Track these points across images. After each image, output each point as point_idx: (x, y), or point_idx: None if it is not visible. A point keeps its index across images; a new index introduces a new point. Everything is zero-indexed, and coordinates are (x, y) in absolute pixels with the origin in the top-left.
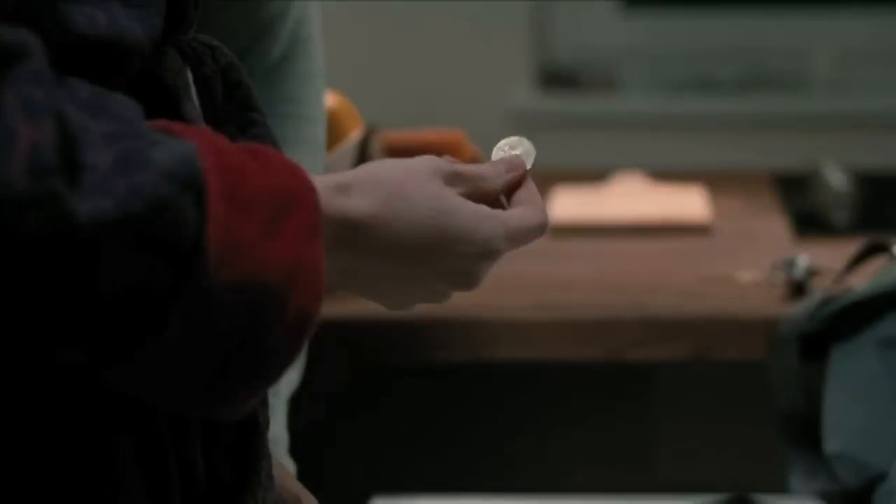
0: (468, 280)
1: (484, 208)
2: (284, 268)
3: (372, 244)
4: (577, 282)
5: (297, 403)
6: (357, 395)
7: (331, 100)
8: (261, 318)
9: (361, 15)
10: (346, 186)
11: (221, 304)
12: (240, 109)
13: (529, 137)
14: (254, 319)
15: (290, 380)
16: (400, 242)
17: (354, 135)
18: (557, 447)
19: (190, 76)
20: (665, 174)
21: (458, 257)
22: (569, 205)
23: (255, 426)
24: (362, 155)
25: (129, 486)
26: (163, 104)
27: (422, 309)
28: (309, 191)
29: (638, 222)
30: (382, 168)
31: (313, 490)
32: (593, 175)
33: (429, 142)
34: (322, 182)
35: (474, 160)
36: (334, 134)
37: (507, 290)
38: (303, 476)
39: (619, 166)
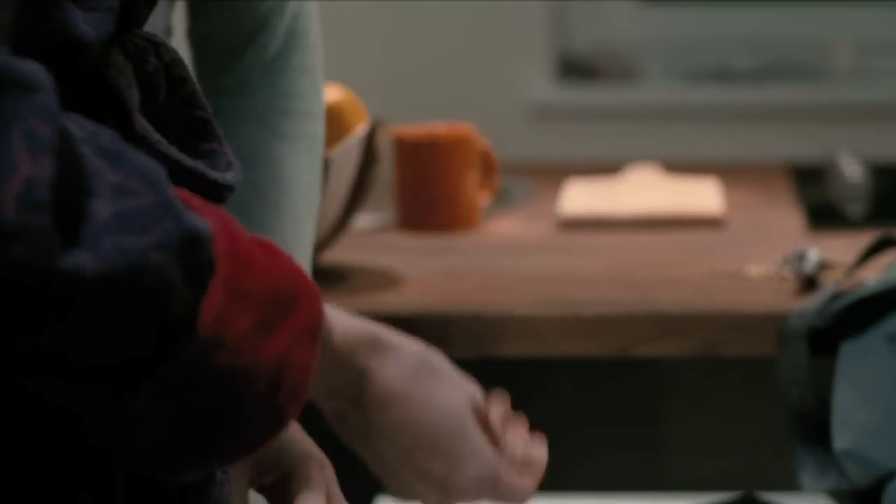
0: (437, 496)
1: (492, 451)
2: (272, 366)
3: (377, 410)
4: (586, 276)
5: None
6: None
7: (335, 94)
8: (237, 409)
9: (371, 5)
10: (386, 346)
11: (198, 389)
12: (184, 107)
13: (547, 129)
14: (229, 408)
15: None
16: (403, 425)
17: (359, 129)
18: (564, 444)
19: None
20: (681, 166)
21: (443, 473)
22: (580, 198)
23: None
24: (368, 149)
25: (75, 490)
26: (104, 102)
27: (426, 305)
28: (313, 295)
29: (649, 215)
30: (430, 355)
31: None
32: (609, 167)
33: (438, 136)
34: (365, 327)
35: (485, 154)
36: (339, 128)
37: (514, 285)
38: None
39: (636, 158)
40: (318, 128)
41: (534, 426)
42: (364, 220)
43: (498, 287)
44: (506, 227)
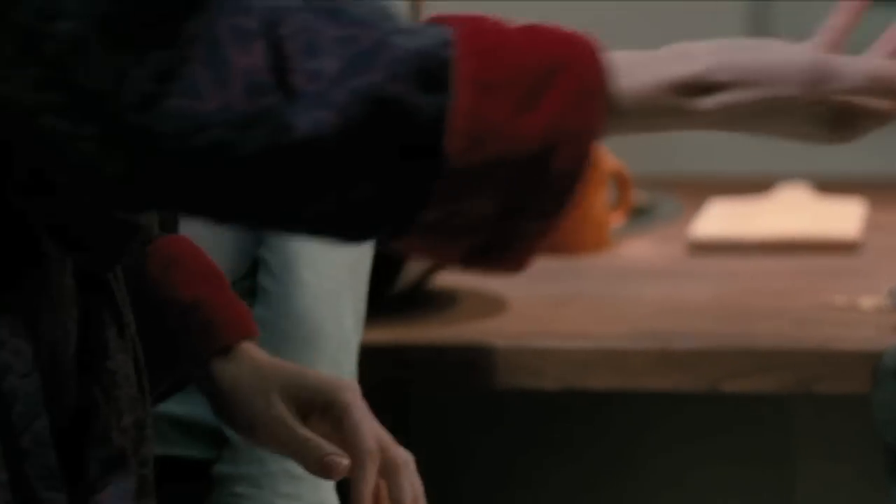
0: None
1: None
2: (539, 139)
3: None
4: (691, 305)
5: None
6: (444, 423)
7: None
8: (517, 191)
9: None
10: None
11: (473, 185)
12: None
13: (727, 138)
14: (509, 193)
15: None
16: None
17: None
18: (649, 482)
19: None
20: (838, 183)
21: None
22: (717, 219)
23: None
24: None
25: None
26: None
27: (522, 334)
28: (586, 59)
29: (780, 239)
30: None
31: None
32: (762, 185)
33: None
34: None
35: (618, 173)
36: None
37: (616, 314)
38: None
39: (811, 168)
40: None
41: (621, 461)
42: None
43: (599, 316)
44: (636, 249)
